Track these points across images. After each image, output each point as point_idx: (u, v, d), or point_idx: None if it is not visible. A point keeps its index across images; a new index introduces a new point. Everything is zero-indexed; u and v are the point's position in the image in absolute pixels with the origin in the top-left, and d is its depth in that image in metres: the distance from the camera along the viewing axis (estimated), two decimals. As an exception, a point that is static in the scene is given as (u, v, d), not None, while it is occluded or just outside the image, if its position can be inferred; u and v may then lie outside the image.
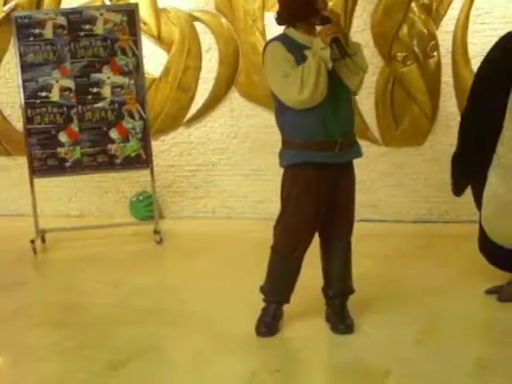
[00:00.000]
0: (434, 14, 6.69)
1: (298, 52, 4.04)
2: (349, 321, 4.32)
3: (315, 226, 4.23)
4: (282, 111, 4.17)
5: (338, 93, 4.09)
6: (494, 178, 4.47)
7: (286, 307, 4.44)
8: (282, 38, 4.13)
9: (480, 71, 4.61)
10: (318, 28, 4.06)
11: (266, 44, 4.20)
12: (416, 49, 6.76)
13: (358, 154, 4.31)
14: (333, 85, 4.02)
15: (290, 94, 4.01)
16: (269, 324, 4.35)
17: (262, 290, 4.42)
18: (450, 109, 6.71)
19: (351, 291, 4.43)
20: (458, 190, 4.80)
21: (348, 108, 4.22)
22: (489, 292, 4.71)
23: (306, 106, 4.01)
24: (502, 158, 4.42)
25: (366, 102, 6.97)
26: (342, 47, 3.94)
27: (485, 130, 4.48)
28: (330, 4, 6.77)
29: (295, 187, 4.18)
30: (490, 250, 4.67)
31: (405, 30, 6.78)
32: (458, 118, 6.52)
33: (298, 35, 4.11)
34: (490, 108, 4.44)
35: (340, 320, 4.31)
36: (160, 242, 6.78)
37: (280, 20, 4.19)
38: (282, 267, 4.33)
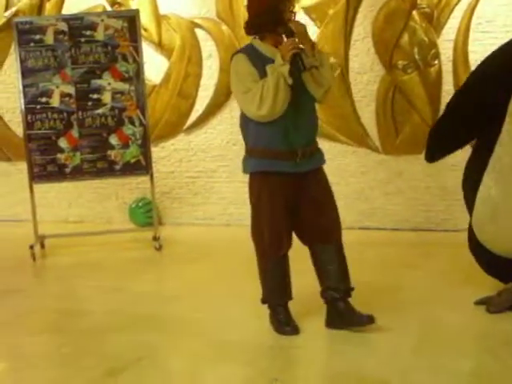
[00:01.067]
0: (435, 23, 6.69)
1: (262, 65, 4.10)
2: (365, 314, 4.34)
3: (289, 226, 4.31)
4: (246, 121, 4.26)
5: (301, 103, 4.18)
6: (488, 180, 4.47)
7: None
8: (248, 50, 4.20)
9: (489, 60, 4.60)
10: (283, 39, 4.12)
11: (232, 55, 4.26)
12: (417, 57, 6.76)
13: (321, 162, 4.38)
14: (296, 96, 4.11)
15: (249, 110, 4.12)
16: (289, 323, 4.40)
17: (264, 300, 4.47)
18: (451, 117, 6.70)
19: (352, 289, 4.45)
20: (429, 159, 4.86)
21: (310, 117, 4.30)
22: (478, 303, 4.70)
23: (266, 120, 4.10)
24: (498, 161, 4.42)
25: (366, 109, 6.98)
26: (302, 62, 4.00)
27: (473, 110, 4.51)
28: (330, 12, 6.81)
29: (262, 195, 4.27)
30: (480, 253, 4.68)
31: (406, 38, 6.78)
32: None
33: (263, 47, 4.18)
34: (485, 95, 4.45)
35: (356, 314, 4.35)
36: (159, 248, 6.77)
37: (248, 30, 4.25)
38: (272, 269, 4.39)
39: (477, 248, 4.70)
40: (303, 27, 4.16)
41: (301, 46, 4.05)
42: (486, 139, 4.56)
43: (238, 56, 4.19)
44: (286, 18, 4.11)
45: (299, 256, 4.49)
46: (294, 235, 4.44)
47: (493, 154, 4.44)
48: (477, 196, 4.52)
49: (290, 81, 4.02)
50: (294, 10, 4.21)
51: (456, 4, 6.60)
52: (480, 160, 4.56)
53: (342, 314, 4.39)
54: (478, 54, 6.43)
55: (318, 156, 4.35)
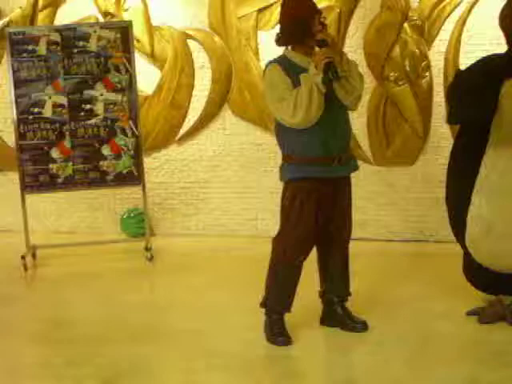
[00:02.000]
0: (427, 35, 6.73)
1: (295, 74, 4.23)
2: (361, 319, 4.58)
3: (315, 235, 4.41)
4: (284, 129, 4.35)
5: (337, 112, 4.33)
6: (477, 200, 4.48)
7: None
8: (281, 60, 4.33)
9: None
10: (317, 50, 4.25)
11: (266, 65, 4.39)
12: (408, 69, 6.79)
13: (355, 168, 4.54)
14: (331, 104, 4.24)
15: (283, 118, 4.25)
16: (283, 333, 4.46)
17: (264, 303, 4.51)
18: (442, 129, 6.74)
19: (349, 294, 4.66)
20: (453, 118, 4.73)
21: (345, 124, 4.44)
22: (470, 313, 4.72)
23: (301, 127, 4.22)
24: (485, 179, 4.45)
25: (357, 121, 6.98)
26: (335, 71, 4.10)
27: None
28: (323, 24, 6.83)
29: (296, 200, 4.34)
30: (475, 272, 4.68)
31: (397, 50, 6.82)
32: (450, 139, 6.62)
33: (296, 57, 4.31)
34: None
35: (353, 320, 4.58)
36: (151, 259, 6.76)
37: (279, 42, 4.38)
38: (286, 276, 4.45)
39: (469, 267, 4.72)
40: (333, 37, 4.38)
41: (332, 55, 4.16)
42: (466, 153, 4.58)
43: (272, 66, 4.32)
44: (316, 30, 4.23)
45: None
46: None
47: (478, 174, 4.46)
48: (468, 216, 4.52)
49: (323, 89, 4.14)
50: (325, 22, 4.32)
51: (447, 16, 6.65)
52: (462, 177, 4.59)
53: (339, 317, 4.58)
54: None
55: (352, 162, 4.51)
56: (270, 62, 4.37)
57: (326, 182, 4.32)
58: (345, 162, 4.38)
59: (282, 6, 4.44)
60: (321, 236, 4.49)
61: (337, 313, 4.59)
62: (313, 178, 4.29)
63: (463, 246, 4.66)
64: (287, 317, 4.53)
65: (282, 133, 4.38)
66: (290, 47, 4.37)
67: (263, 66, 7.09)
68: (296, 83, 4.20)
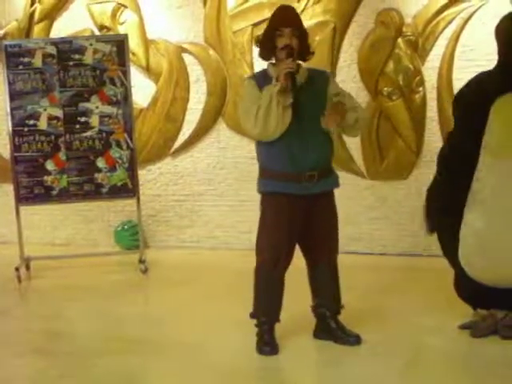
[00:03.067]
0: (420, 50, 6.78)
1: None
2: (354, 333, 4.58)
3: (291, 246, 4.44)
4: (258, 143, 4.46)
5: (307, 126, 4.28)
6: (471, 215, 4.51)
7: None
8: (258, 75, 4.46)
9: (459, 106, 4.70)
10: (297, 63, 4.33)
11: (243, 81, 4.54)
12: (402, 84, 6.84)
13: (333, 185, 4.50)
14: (300, 117, 4.23)
15: (246, 128, 4.36)
16: (270, 343, 4.49)
17: (253, 315, 4.55)
18: (435, 143, 6.76)
19: (342, 307, 4.66)
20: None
21: (319, 140, 4.35)
22: (463, 327, 4.73)
23: (264, 140, 4.30)
24: (479, 194, 4.47)
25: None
26: (293, 81, 4.17)
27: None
28: (317, 38, 6.87)
29: (268, 212, 4.43)
30: (466, 287, 4.70)
31: (391, 65, 6.86)
32: (443, 153, 6.63)
33: (272, 71, 4.36)
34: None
35: (346, 333, 4.58)
36: (145, 271, 6.77)
37: (259, 55, 4.49)
38: (268, 286, 4.49)
39: (459, 281, 4.74)
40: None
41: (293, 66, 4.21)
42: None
43: (247, 81, 4.46)
44: (281, 44, 4.26)
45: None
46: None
47: (470, 189, 4.49)
48: (460, 232, 4.55)
49: (287, 101, 4.17)
50: (295, 36, 4.29)
51: (441, 32, 6.70)
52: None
53: (332, 330, 4.59)
54: (462, 81, 6.43)
55: (329, 180, 4.46)
56: (247, 77, 4.53)
57: (298, 198, 4.32)
58: (318, 179, 4.33)
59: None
60: (306, 251, 4.54)
61: (330, 326, 4.60)
62: (282, 193, 4.33)
63: (452, 262, 4.69)
64: (281, 329, 4.55)
65: (257, 146, 4.48)
66: (271, 62, 4.41)
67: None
68: None
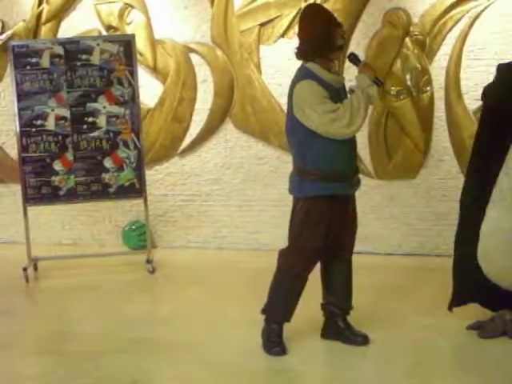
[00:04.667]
0: (428, 50, 6.76)
1: (325, 89, 4.29)
2: (362, 333, 4.61)
3: (324, 249, 4.46)
4: (309, 143, 4.33)
5: None
6: (495, 212, 4.45)
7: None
8: (311, 76, 4.31)
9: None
10: (335, 64, 4.60)
11: (296, 81, 4.35)
12: (409, 83, 6.82)
13: (360, 184, 4.63)
14: None
15: (337, 127, 4.24)
16: (279, 343, 4.52)
17: (265, 311, 4.56)
18: (443, 143, 6.77)
19: (352, 308, 4.70)
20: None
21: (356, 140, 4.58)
22: (470, 328, 4.72)
23: (346, 138, 4.33)
24: (508, 191, 4.43)
25: (359, 135, 6.85)
26: (381, 83, 4.45)
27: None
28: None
29: (311, 216, 4.38)
30: (476, 287, 4.67)
31: (398, 64, 6.85)
32: (451, 152, 6.64)
33: (321, 72, 4.33)
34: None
35: (354, 333, 4.61)
36: (152, 271, 6.78)
37: (300, 55, 4.41)
38: (292, 287, 4.51)
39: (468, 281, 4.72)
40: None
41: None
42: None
43: (308, 82, 4.29)
44: (338, 44, 4.36)
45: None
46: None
47: (497, 183, 4.46)
48: (481, 230, 4.51)
49: (377, 101, 4.46)
50: (345, 36, 4.48)
51: (448, 31, 6.67)
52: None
53: (340, 330, 4.61)
54: (469, 80, 6.51)
55: (359, 177, 4.61)
56: (302, 79, 4.31)
57: (340, 198, 4.40)
58: (357, 177, 4.55)
59: (303, 20, 4.47)
60: (329, 249, 4.52)
61: (338, 326, 4.61)
62: (331, 195, 4.34)
63: (463, 261, 4.66)
64: (289, 329, 4.55)
65: (307, 147, 4.34)
66: (312, 61, 4.35)
67: (265, 80, 7.28)
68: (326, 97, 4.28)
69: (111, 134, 6.78)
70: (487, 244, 4.50)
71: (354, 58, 4.51)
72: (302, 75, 4.34)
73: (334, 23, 4.37)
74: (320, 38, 4.29)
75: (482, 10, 6.52)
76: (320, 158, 4.32)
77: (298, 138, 4.38)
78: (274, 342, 4.50)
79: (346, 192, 4.43)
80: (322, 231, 4.37)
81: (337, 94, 4.35)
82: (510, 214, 4.43)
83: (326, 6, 6.86)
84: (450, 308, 4.80)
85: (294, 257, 4.44)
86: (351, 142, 4.43)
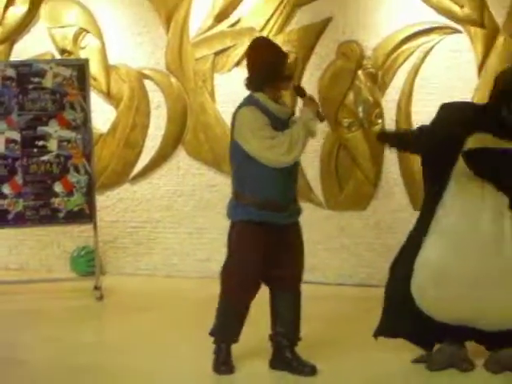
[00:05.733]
0: (380, 83, 6.86)
1: (268, 118, 4.37)
2: (310, 363, 4.58)
3: (260, 274, 4.51)
4: (247, 168, 4.42)
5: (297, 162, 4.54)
6: (429, 244, 4.55)
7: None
8: (255, 103, 4.41)
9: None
10: (282, 93, 4.61)
11: (240, 107, 4.46)
12: (361, 116, 6.90)
13: (300, 213, 4.65)
14: None
15: (274, 154, 4.32)
16: (226, 362, 4.58)
17: (213, 333, 4.61)
18: (393, 175, 6.84)
19: (299, 339, 4.69)
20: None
21: (297, 172, 4.64)
22: (416, 361, 4.73)
23: (280, 166, 4.36)
24: (440, 222, 4.53)
25: (311, 165, 7.06)
26: (323, 118, 4.59)
27: None
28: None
29: (242, 241, 4.48)
30: (410, 321, 4.69)
31: (351, 96, 6.93)
32: (401, 184, 6.72)
33: (267, 101, 4.42)
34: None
35: (302, 363, 4.58)
36: (100, 298, 6.69)
37: (249, 85, 4.51)
38: (234, 310, 4.58)
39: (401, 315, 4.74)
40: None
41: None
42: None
43: (250, 108, 4.40)
44: (286, 74, 4.47)
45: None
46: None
47: (434, 216, 4.56)
48: (415, 261, 4.58)
49: (315, 134, 4.46)
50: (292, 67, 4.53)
51: (400, 65, 6.78)
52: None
53: (288, 360, 4.60)
54: (420, 114, 6.59)
55: (298, 207, 4.63)
56: (245, 104, 4.45)
57: (275, 227, 4.43)
58: (294, 210, 4.56)
59: (252, 51, 4.60)
60: (272, 279, 4.57)
61: (286, 356, 4.61)
62: (263, 222, 4.40)
63: (396, 294, 4.68)
64: (237, 358, 4.53)
65: (244, 172, 4.46)
66: (260, 91, 4.44)
67: (219, 108, 7.28)
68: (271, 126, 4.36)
69: (62, 159, 6.71)
70: (420, 275, 4.57)
71: (299, 90, 4.62)
72: (245, 102, 4.47)
73: (280, 54, 4.50)
74: (268, 68, 4.41)
75: (433, 46, 6.66)
76: (256, 184, 4.41)
77: (237, 162, 4.50)
78: (222, 362, 4.57)
79: (280, 221, 4.45)
80: (255, 257, 4.43)
81: (283, 124, 4.44)
82: (441, 246, 4.53)
83: (280, 37, 7.03)
84: (375, 335, 4.80)
85: (230, 280, 4.53)
86: (288, 172, 4.45)
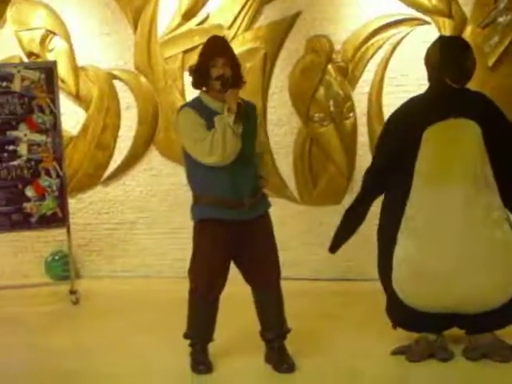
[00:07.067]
0: (350, 76, 6.86)
1: (208, 117, 4.38)
2: (290, 361, 4.58)
3: (225, 271, 4.57)
4: (194, 169, 4.48)
5: (247, 153, 4.44)
6: (404, 241, 4.57)
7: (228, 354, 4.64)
8: (194, 103, 4.50)
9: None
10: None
11: (179, 109, 4.56)
12: (332, 110, 6.90)
13: (267, 206, 4.66)
14: (242, 145, 4.37)
15: (201, 157, 4.36)
16: (204, 361, 4.59)
17: (187, 335, 4.64)
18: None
19: (288, 331, 4.70)
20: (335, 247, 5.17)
21: (255, 167, 4.59)
22: (395, 353, 4.74)
23: (218, 165, 4.34)
24: (411, 220, 4.54)
25: (284, 161, 7.06)
26: (242, 112, 4.36)
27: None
28: (247, 65, 6.86)
29: (203, 240, 4.51)
30: (398, 312, 4.72)
31: (321, 91, 6.92)
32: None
33: (208, 100, 4.46)
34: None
35: (281, 360, 4.57)
36: (76, 302, 6.64)
37: (192, 85, 4.59)
38: (203, 308, 4.59)
39: (392, 305, 4.77)
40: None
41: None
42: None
43: (186, 109, 4.48)
44: (215, 74, 4.39)
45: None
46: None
47: (404, 214, 4.56)
48: (393, 256, 4.61)
49: (239, 129, 4.31)
50: (228, 65, 4.44)
51: (370, 58, 6.79)
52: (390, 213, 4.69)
53: (274, 355, 4.61)
54: (391, 106, 6.54)
55: (263, 201, 4.62)
56: (183, 106, 4.55)
57: (235, 223, 4.44)
58: (254, 205, 4.49)
59: None
60: (248, 277, 4.61)
61: (273, 351, 4.63)
62: (219, 219, 4.42)
63: (387, 287, 4.72)
64: (217, 349, 4.51)
65: (193, 173, 4.52)
66: (204, 90, 4.51)
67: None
68: (210, 125, 4.34)
69: (32, 163, 6.65)
70: (399, 272, 4.61)
71: (223, 83, 4.40)
72: (185, 104, 4.61)
73: (212, 54, 4.44)
74: (197, 70, 4.48)
75: (403, 37, 6.68)
76: (204, 183, 4.45)
77: (187, 163, 4.55)
78: (198, 361, 4.58)
79: (239, 217, 4.43)
80: (217, 254, 4.46)
81: None
82: (414, 242, 4.55)
83: (248, 33, 7.01)
84: (394, 327, 4.83)
85: (195, 279, 4.55)
86: (237, 168, 4.40)
